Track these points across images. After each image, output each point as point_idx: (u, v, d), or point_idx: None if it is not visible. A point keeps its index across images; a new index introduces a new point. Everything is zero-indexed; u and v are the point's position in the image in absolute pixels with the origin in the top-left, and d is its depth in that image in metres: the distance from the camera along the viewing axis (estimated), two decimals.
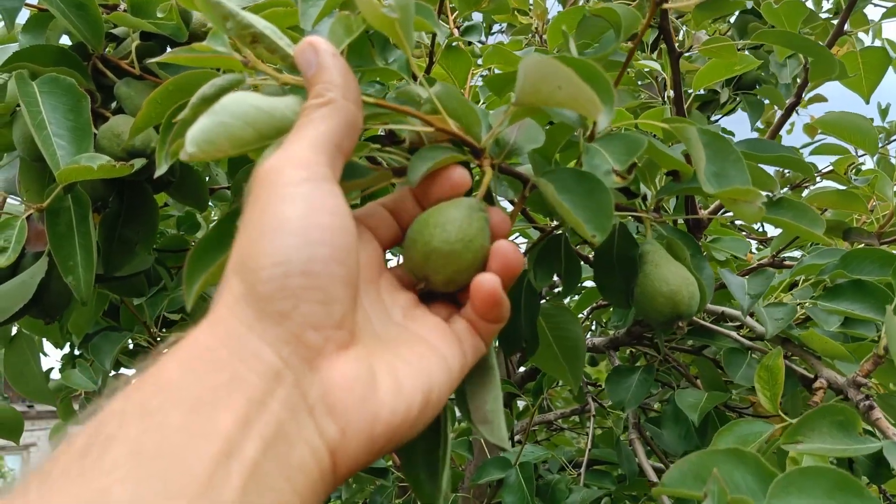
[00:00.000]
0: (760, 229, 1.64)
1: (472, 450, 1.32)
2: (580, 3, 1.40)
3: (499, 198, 0.48)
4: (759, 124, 1.56)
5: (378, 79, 0.59)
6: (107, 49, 0.71)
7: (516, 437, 1.35)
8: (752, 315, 0.76)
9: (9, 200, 0.74)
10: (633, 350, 1.24)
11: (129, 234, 0.74)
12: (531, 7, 1.59)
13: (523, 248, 0.79)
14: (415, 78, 0.45)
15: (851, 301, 0.68)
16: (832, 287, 0.71)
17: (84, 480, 0.23)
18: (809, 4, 0.81)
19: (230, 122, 0.34)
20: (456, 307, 0.40)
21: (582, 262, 0.67)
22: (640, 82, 1.21)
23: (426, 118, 0.41)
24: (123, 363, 1.05)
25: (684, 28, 1.36)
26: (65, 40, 0.71)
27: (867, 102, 0.92)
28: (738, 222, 1.49)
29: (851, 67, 0.88)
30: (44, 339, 1.03)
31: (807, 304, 0.73)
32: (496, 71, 0.86)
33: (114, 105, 0.73)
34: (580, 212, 0.39)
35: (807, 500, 0.36)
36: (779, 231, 0.96)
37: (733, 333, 0.79)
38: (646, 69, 1.06)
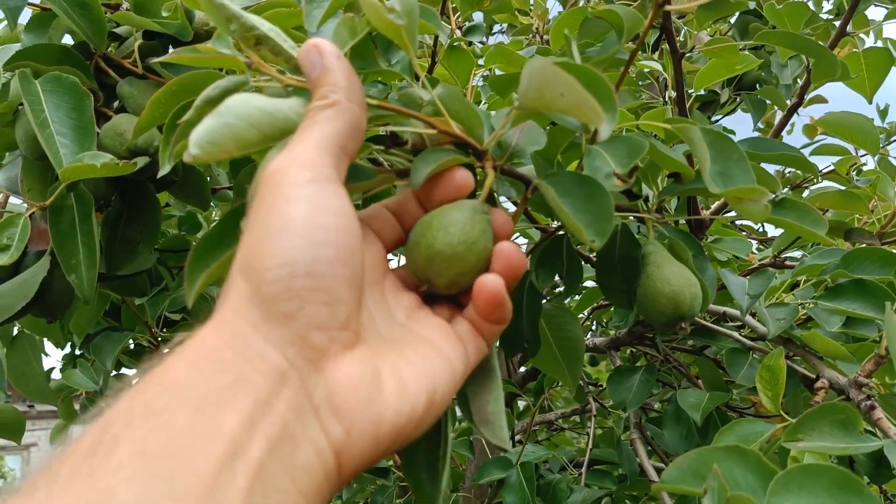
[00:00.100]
0: (761, 230, 1.64)
1: (472, 450, 1.32)
2: (580, 4, 1.40)
3: (501, 198, 0.48)
4: (758, 124, 1.57)
5: (379, 79, 0.59)
6: (109, 48, 0.71)
7: (517, 437, 1.35)
8: (753, 315, 0.76)
9: (10, 199, 0.74)
10: (634, 350, 1.24)
11: (131, 233, 0.74)
12: (531, 7, 1.60)
13: (524, 248, 0.79)
14: (417, 79, 0.45)
15: (853, 301, 0.69)
16: (833, 287, 0.71)
17: (91, 480, 0.23)
18: (810, 5, 0.81)
19: (234, 123, 0.34)
20: (458, 308, 0.40)
21: (583, 263, 0.67)
22: (640, 83, 1.21)
23: (429, 120, 0.41)
24: (124, 363, 1.05)
25: (685, 29, 1.36)
26: (67, 39, 0.71)
27: (870, 103, 0.92)
28: (739, 222, 1.50)
29: (854, 68, 0.88)
30: (45, 339, 1.03)
31: (808, 305, 0.73)
32: (497, 71, 0.86)
33: (116, 104, 0.73)
34: (580, 216, 0.39)
35: (807, 498, 0.36)
36: (779, 231, 0.96)
37: (735, 334, 0.79)
38: (647, 69, 1.06)
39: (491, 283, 0.36)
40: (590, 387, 1.35)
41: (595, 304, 1.27)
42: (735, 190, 0.44)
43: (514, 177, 0.46)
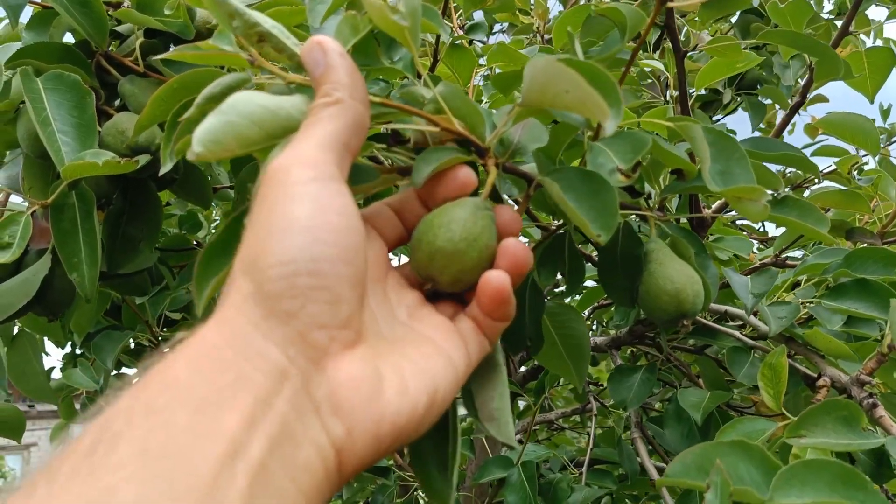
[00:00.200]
0: (761, 229, 1.64)
1: (473, 449, 1.32)
2: (581, 3, 1.40)
3: (503, 196, 0.48)
4: (759, 125, 1.57)
5: (381, 77, 0.59)
6: (110, 46, 0.71)
7: (517, 437, 1.35)
8: (755, 314, 0.76)
9: (11, 198, 0.74)
10: (635, 349, 1.24)
11: (132, 231, 0.74)
12: (532, 7, 1.60)
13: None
14: (419, 77, 0.45)
15: (855, 300, 0.69)
16: (836, 286, 0.71)
17: (92, 479, 0.23)
18: (811, 5, 0.81)
19: (237, 121, 0.34)
20: (461, 306, 0.40)
21: (585, 262, 0.67)
22: (642, 82, 1.21)
23: (432, 118, 0.41)
24: (125, 362, 1.05)
25: (685, 28, 1.36)
26: (68, 38, 0.71)
27: (872, 102, 0.92)
28: (739, 222, 1.50)
29: (856, 67, 0.88)
30: (45, 338, 1.03)
31: (810, 303, 0.73)
32: (497, 70, 0.86)
33: (117, 102, 0.73)
34: (585, 211, 0.39)
35: (810, 493, 0.36)
36: (780, 231, 0.96)
37: (736, 332, 0.79)
38: (648, 68, 1.06)
39: (496, 280, 0.36)
40: (590, 386, 1.35)
41: (596, 304, 1.26)
42: (734, 189, 0.44)
43: (516, 174, 0.46)
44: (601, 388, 1.49)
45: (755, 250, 1.11)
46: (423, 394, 0.32)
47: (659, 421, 1.05)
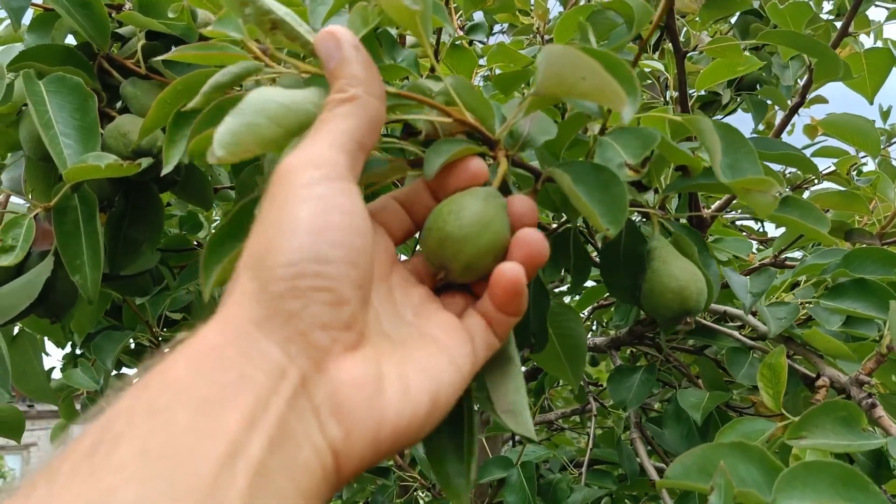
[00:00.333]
0: (761, 230, 1.64)
1: None
2: (581, 3, 1.40)
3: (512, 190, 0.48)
4: (759, 125, 1.57)
5: (382, 77, 0.59)
6: (112, 48, 0.71)
7: (517, 437, 1.36)
8: (754, 314, 0.76)
9: (12, 200, 0.74)
10: (634, 350, 1.24)
11: (134, 233, 0.74)
12: (532, 7, 1.60)
13: None
14: (432, 70, 0.45)
15: (854, 300, 0.69)
16: (835, 286, 0.72)
17: (92, 480, 0.23)
18: (810, 5, 0.81)
19: (256, 121, 0.33)
20: (471, 300, 0.39)
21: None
22: (641, 82, 1.21)
23: (446, 109, 0.40)
24: (125, 362, 1.05)
25: (685, 28, 1.36)
26: (70, 40, 0.71)
27: (871, 103, 0.92)
28: (739, 222, 1.50)
29: (856, 68, 0.88)
30: (45, 338, 1.03)
31: (809, 304, 0.73)
32: (497, 71, 0.86)
33: (119, 105, 0.73)
34: (596, 204, 0.39)
35: (812, 494, 0.36)
36: (779, 232, 0.97)
37: (735, 333, 0.80)
38: (647, 69, 1.06)
39: (510, 271, 0.36)
40: (590, 386, 1.35)
41: (595, 304, 1.27)
42: (744, 181, 0.44)
43: (524, 168, 0.46)
44: (601, 388, 1.49)
45: (754, 251, 1.11)
46: (425, 396, 0.32)
47: (658, 421, 1.05)
